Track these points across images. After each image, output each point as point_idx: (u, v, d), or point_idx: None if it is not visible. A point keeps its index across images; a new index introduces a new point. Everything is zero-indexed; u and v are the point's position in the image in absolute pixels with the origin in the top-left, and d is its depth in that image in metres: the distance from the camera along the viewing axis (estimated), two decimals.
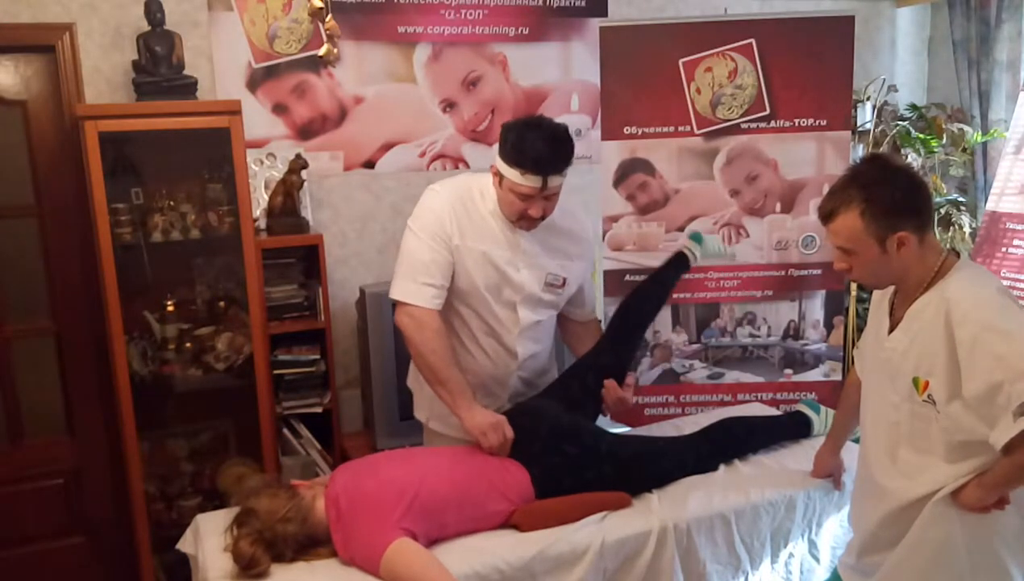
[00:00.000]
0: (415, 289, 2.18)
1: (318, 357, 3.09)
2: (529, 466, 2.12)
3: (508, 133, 2.15)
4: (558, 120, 2.19)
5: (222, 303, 3.04)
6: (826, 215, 1.72)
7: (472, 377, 2.28)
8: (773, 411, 2.85)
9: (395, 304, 2.23)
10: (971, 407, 1.60)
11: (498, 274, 2.26)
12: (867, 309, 1.97)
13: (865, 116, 3.96)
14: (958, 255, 1.73)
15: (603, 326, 2.67)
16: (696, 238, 2.84)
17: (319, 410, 3.10)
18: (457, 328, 2.31)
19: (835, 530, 2.28)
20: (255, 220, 2.96)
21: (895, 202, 1.65)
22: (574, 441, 2.17)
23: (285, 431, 3.11)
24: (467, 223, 2.23)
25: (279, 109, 3.22)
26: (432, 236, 2.19)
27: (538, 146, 2.10)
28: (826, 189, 1.79)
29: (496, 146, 2.19)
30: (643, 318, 2.65)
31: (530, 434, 2.17)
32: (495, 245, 2.25)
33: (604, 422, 2.50)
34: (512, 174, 2.12)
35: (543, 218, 2.21)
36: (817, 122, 3.14)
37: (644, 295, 2.65)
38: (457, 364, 2.22)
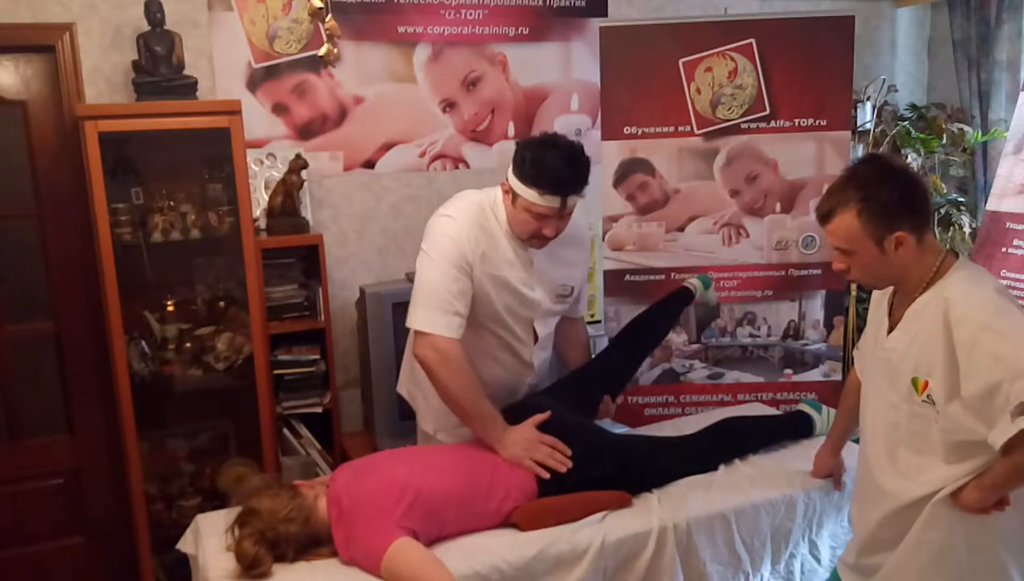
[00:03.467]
0: (441, 319, 2.10)
1: (318, 357, 3.09)
2: None
3: (524, 152, 2.10)
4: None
5: (222, 303, 3.04)
6: (824, 215, 1.72)
7: (485, 388, 2.24)
8: (773, 411, 2.86)
9: (416, 333, 2.17)
10: (970, 407, 1.60)
11: (516, 297, 2.24)
12: (867, 309, 1.97)
13: (865, 116, 3.96)
14: (957, 255, 1.73)
15: (599, 329, 2.68)
16: (704, 280, 2.83)
17: (319, 410, 3.10)
18: (472, 344, 2.24)
19: (835, 530, 2.28)
20: (255, 220, 2.96)
21: (892, 202, 1.65)
22: (577, 439, 2.18)
23: (285, 431, 3.11)
24: (487, 249, 2.18)
25: (279, 109, 3.22)
26: (454, 265, 2.12)
27: (558, 166, 2.05)
28: (826, 189, 1.79)
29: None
30: (653, 343, 2.77)
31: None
32: (512, 268, 2.22)
33: (604, 421, 2.52)
34: (529, 194, 2.08)
35: (555, 237, 2.18)
36: (817, 122, 3.15)
37: (654, 323, 2.71)
38: (482, 389, 2.17)
